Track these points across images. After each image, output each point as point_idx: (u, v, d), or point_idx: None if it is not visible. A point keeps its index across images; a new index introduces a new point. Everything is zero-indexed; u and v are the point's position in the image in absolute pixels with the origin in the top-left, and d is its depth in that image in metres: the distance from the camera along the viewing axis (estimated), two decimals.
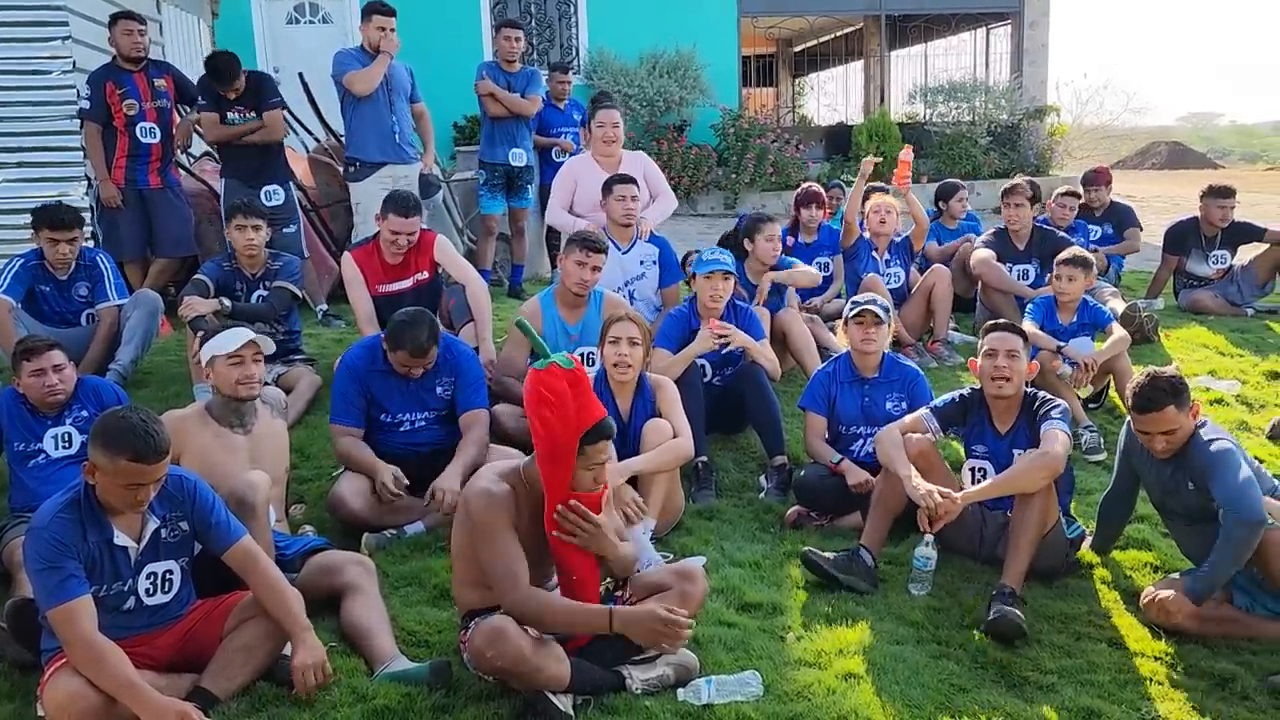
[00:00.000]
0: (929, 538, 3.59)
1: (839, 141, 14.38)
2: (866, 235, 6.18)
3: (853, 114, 17.45)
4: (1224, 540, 3.19)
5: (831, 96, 20.21)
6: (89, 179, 6.37)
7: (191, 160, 7.35)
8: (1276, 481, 3.57)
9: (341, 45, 9.58)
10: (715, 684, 2.93)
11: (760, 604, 3.53)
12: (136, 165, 6.15)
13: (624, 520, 3.59)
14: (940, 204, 7.21)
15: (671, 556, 3.80)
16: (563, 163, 6.77)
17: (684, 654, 3.06)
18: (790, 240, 6.53)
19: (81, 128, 6.20)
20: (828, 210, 6.75)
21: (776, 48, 20.89)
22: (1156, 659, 3.25)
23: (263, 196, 6.07)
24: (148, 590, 2.88)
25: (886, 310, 4.35)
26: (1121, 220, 7.47)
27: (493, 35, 8.68)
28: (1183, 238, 7.07)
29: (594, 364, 4.65)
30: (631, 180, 5.45)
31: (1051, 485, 3.54)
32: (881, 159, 6.24)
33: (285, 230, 6.22)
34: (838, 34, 18.48)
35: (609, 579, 3.18)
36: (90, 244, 5.94)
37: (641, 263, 5.49)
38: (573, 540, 2.86)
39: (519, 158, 7.17)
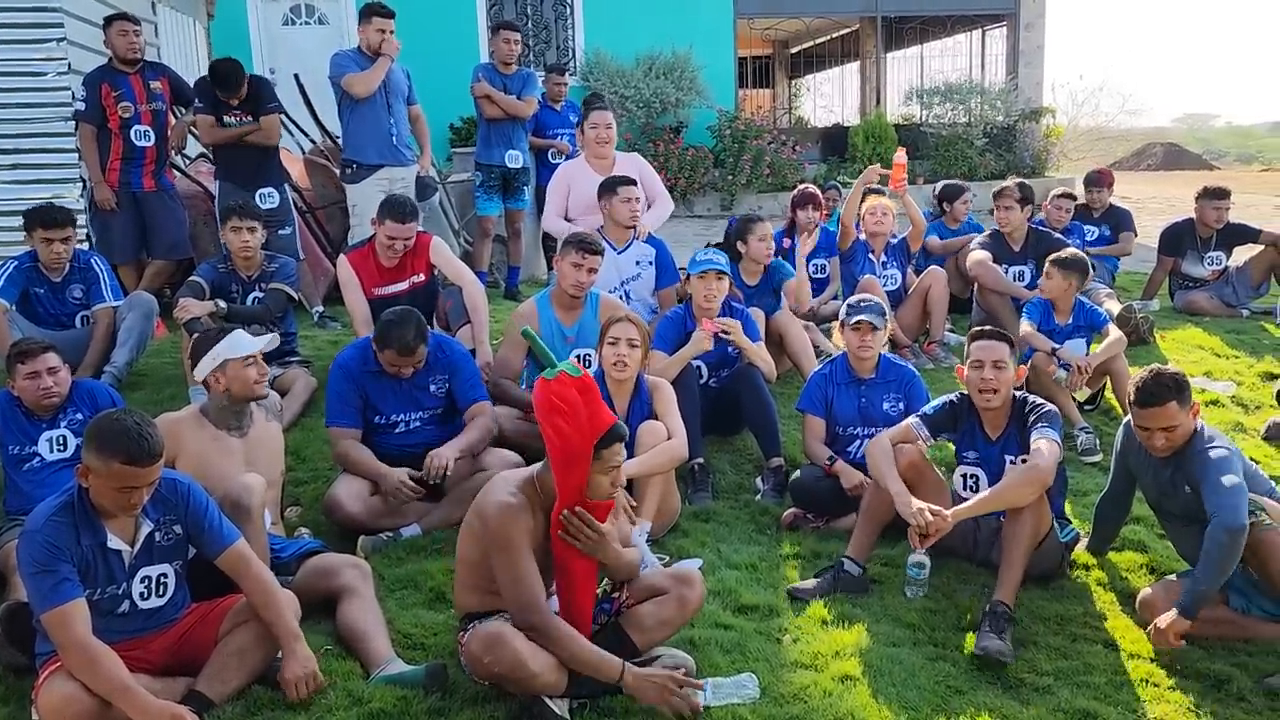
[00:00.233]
0: (920, 540, 3.57)
1: (835, 143, 14.40)
2: (863, 237, 6.19)
3: (849, 115, 17.48)
4: (1208, 550, 3.17)
5: (828, 98, 20.25)
6: (84, 181, 6.36)
7: (187, 162, 7.34)
8: (1273, 483, 3.57)
9: (338, 46, 9.57)
10: (711, 686, 2.92)
11: (757, 606, 3.53)
12: (131, 168, 6.14)
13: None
14: (945, 205, 7.20)
15: (668, 558, 3.80)
16: (559, 164, 6.77)
17: (681, 656, 3.06)
18: (786, 242, 6.53)
19: (76, 130, 6.20)
20: (824, 212, 6.75)
21: (773, 49, 20.92)
22: (1152, 660, 3.25)
23: (257, 199, 6.07)
24: (142, 594, 2.87)
25: (882, 314, 4.36)
26: (1119, 223, 7.49)
27: (489, 37, 8.68)
28: (1178, 239, 7.08)
29: (590, 365, 4.65)
30: (633, 182, 5.46)
31: (1043, 496, 3.53)
32: (880, 164, 6.25)
33: (280, 233, 6.21)
34: (834, 35, 18.50)
35: (609, 583, 3.18)
36: (84, 246, 5.93)
37: (637, 263, 5.48)
38: (576, 544, 2.86)
39: (515, 159, 7.17)
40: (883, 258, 6.19)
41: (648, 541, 3.77)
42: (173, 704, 2.70)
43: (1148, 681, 3.15)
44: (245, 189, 6.10)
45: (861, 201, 6.23)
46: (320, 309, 6.64)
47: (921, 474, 3.76)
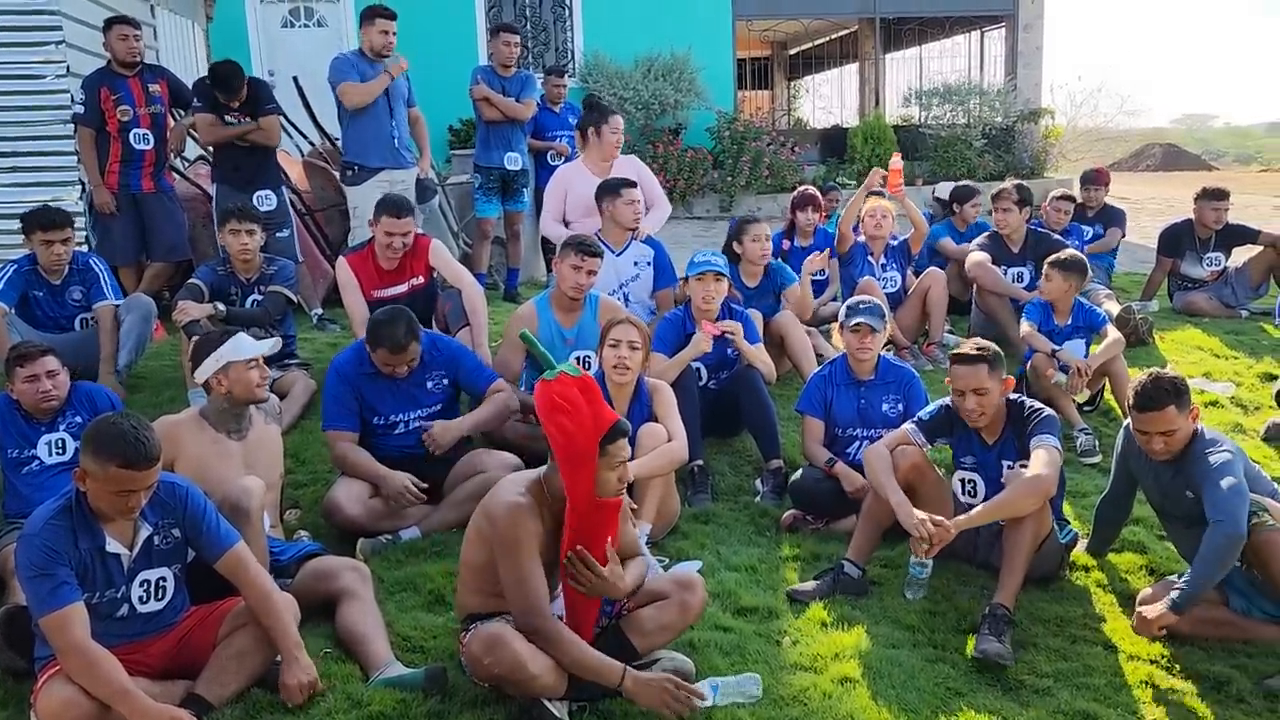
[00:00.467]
0: (923, 546, 3.57)
1: (834, 144, 14.40)
2: (862, 239, 6.18)
3: (848, 116, 17.48)
4: (1204, 552, 3.17)
5: (826, 99, 20.23)
6: (82, 184, 6.36)
7: (186, 164, 7.34)
8: (1275, 484, 3.57)
9: (337, 49, 9.58)
10: (714, 687, 2.90)
11: (756, 608, 3.53)
12: (130, 170, 6.14)
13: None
14: (955, 206, 7.20)
15: (668, 561, 3.80)
16: (558, 166, 6.77)
17: (680, 659, 3.06)
18: (786, 244, 6.53)
19: (75, 133, 6.20)
20: (824, 213, 6.75)
21: (771, 50, 20.92)
22: (1152, 662, 3.25)
23: (255, 202, 6.07)
24: (141, 597, 2.87)
25: (881, 316, 4.36)
26: (1112, 222, 7.50)
27: (488, 39, 8.68)
28: (1177, 240, 7.08)
29: (590, 367, 4.65)
30: (635, 183, 5.47)
31: (1045, 502, 3.52)
32: (884, 181, 6.24)
33: (279, 235, 6.21)
34: (832, 37, 18.50)
35: None
36: (84, 249, 5.93)
37: (635, 264, 5.48)
38: (580, 589, 2.86)
39: (514, 161, 7.17)
40: (882, 260, 6.18)
41: (647, 544, 3.77)
42: (172, 707, 2.70)
43: (1147, 683, 3.14)
44: (243, 191, 6.10)
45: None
46: (319, 311, 6.64)
47: (923, 475, 3.76)
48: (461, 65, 8.35)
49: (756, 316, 5.10)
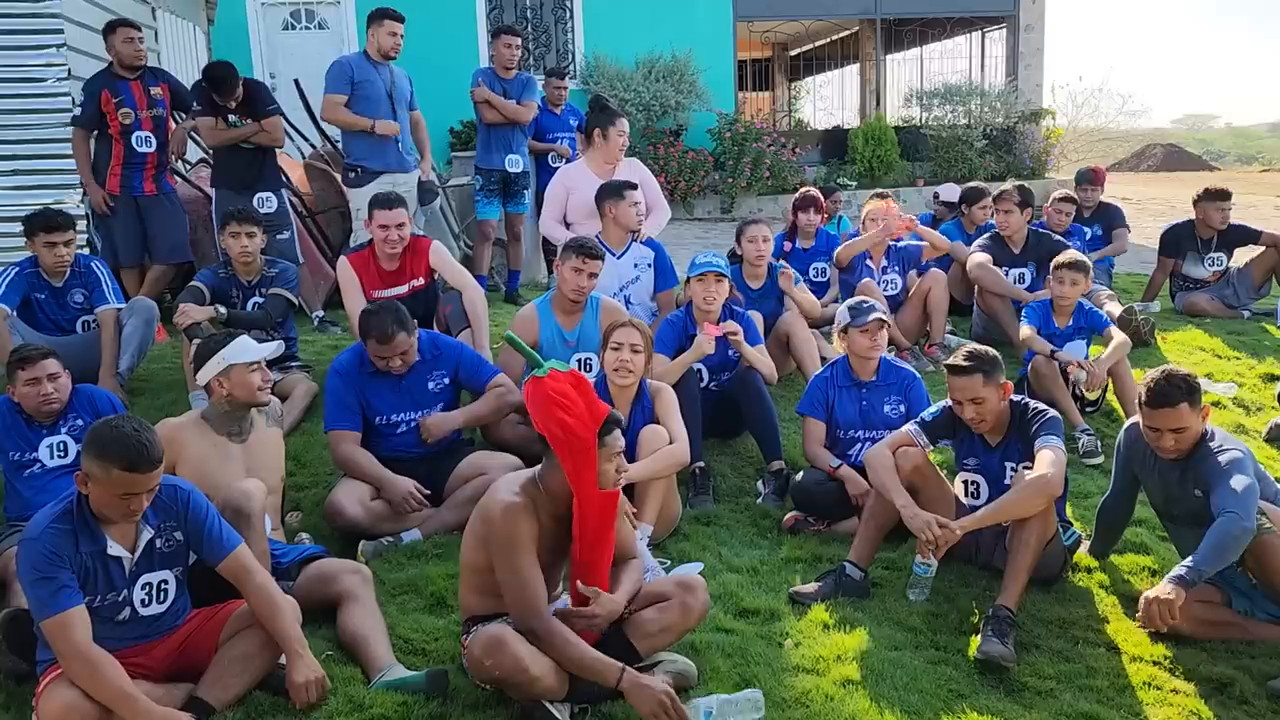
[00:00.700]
0: (930, 548, 3.57)
1: (835, 145, 14.41)
2: None
3: (849, 117, 17.47)
4: (1215, 536, 3.15)
5: (827, 100, 20.24)
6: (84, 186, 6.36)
7: (188, 167, 7.34)
8: (1279, 486, 3.56)
9: (338, 51, 9.59)
10: (718, 704, 2.86)
11: (758, 610, 3.52)
12: (132, 173, 6.13)
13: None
14: (964, 207, 7.19)
15: (669, 563, 3.80)
16: (560, 168, 6.77)
17: (682, 662, 3.06)
18: (788, 246, 6.52)
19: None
20: (825, 215, 6.74)
21: (772, 52, 20.91)
22: (1155, 664, 3.24)
23: (255, 204, 6.07)
24: (143, 600, 2.87)
25: (884, 315, 4.37)
26: (1111, 221, 7.49)
27: (489, 41, 8.68)
28: (1178, 240, 7.07)
29: (592, 370, 4.65)
30: (636, 185, 5.47)
31: (1050, 503, 3.51)
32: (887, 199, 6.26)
33: (279, 237, 6.21)
34: (833, 38, 18.50)
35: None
36: (85, 252, 5.93)
37: (636, 265, 5.48)
38: (592, 628, 2.88)
39: (515, 164, 7.17)
40: (883, 263, 6.16)
41: (649, 546, 3.77)
42: (174, 710, 2.70)
43: (1150, 685, 3.14)
44: (242, 194, 6.10)
45: (863, 207, 6.21)
46: (321, 314, 6.64)
47: (925, 477, 3.75)
48: (462, 67, 8.36)
49: (757, 318, 5.10)
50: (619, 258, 5.42)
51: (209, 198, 6.60)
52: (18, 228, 5.31)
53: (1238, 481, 3.20)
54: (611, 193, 5.38)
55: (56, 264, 5.10)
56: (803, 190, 6.71)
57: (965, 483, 3.85)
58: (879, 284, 6.04)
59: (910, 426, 3.86)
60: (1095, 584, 3.77)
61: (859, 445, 4.34)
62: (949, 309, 6.23)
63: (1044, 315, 5.28)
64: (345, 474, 4.14)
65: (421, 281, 5.17)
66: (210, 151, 6.55)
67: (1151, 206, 13.55)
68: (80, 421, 3.82)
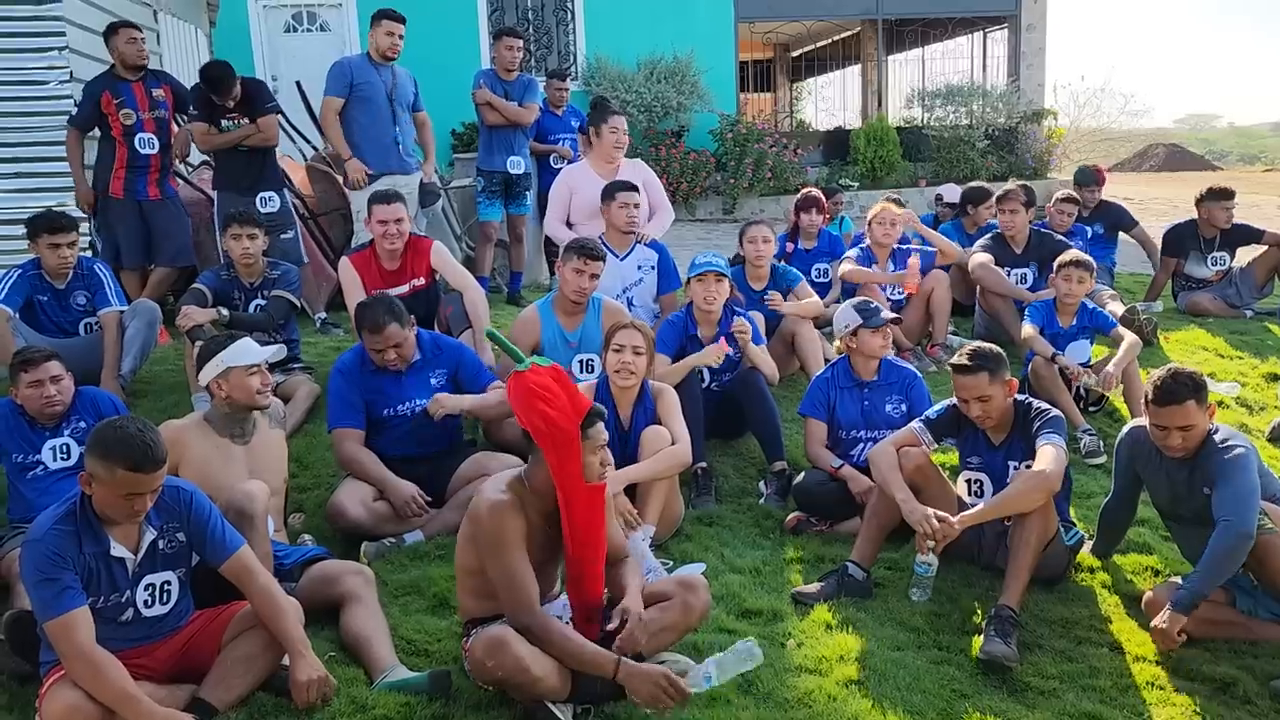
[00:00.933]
0: (929, 544, 3.57)
1: (837, 146, 14.40)
2: (866, 244, 6.16)
3: (851, 118, 17.47)
4: (1213, 550, 3.17)
5: (829, 101, 20.24)
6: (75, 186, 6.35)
7: (190, 169, 7.35)
8: None
9: (340, 53, 9.59)
10: (715, 666, 2.84)
11: (760, 611, 3.52)
12: (136, 176, 6.14)
13: (624, 527, 3.58)
14: (970, 207, 7.19)
15: (672, 563, 3.79)
16: (561, 169, 6.77)
17: (685, 662, 3.05)
18: (790, 247, 6.52)
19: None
20: (827, 215, 6.73)
21: (774, 53, 20.91)
22: (1158, 663, 3.24)
23: (257, 203, 6.09)
24: (146, 601, 2.87)
25: (892, 314, 4.40)
26: (1114, 220, 7.47)
27: (490, 43, 8.69)
28: (1181, 240, 7.07)
29: (593, 370, 4.65)
30: (634, 187, 5.46)
31: (1050, 501, 3.51)
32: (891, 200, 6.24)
33: (283, 237, 6.22)
34: (835, 38, 18.50)
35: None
36: (88, 254, 5.93)
37: (639, 268, 5.49)
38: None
39: (517, 165, 7.18)
40: (890, 267, 6.14)
41: (651, 546, 3.77)
42: (176, 712, 2.70)
43: (1153, 684, 3.14)
44: (245, 194, 6.11)
45: (872, 217, 6.18)
46: (323, 315, 6.64)
47: (927, 477, 3.75)
48: (464, 69, 8.36)
49: (760, 319, 5.10)
50: (622, 260, 5.43)
51: (211, 200, 6.61)
52: (20, 230, 5.32)
53: (1240, 483, 3.19)
54: (605, 194, 5.40)
55: (59, 266, 5.11)
56: (804, 191, 6.71)
57: (969, 482, 3.86)
58: (884, 288, 6.02)
59: (915, 425, 3.87)
60: (1098, 584, 3.76)
61: (861, 445, 4.33)
62: (951, 309, 6.23)
63: (1048, 315, 5.27)
64: (348, 474, 4.15)
65: (423, 282, 5.18)
66: (211, 155, 6.55)
67: (1154, 206, 13.53)
68: (83, 424, 3.82)
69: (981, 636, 3.29)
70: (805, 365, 5.28)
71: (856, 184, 13.04)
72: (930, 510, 3.49)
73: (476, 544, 2.88)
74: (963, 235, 7.00)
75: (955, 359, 3.73)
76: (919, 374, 4.55)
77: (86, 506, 2.77)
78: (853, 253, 6.12)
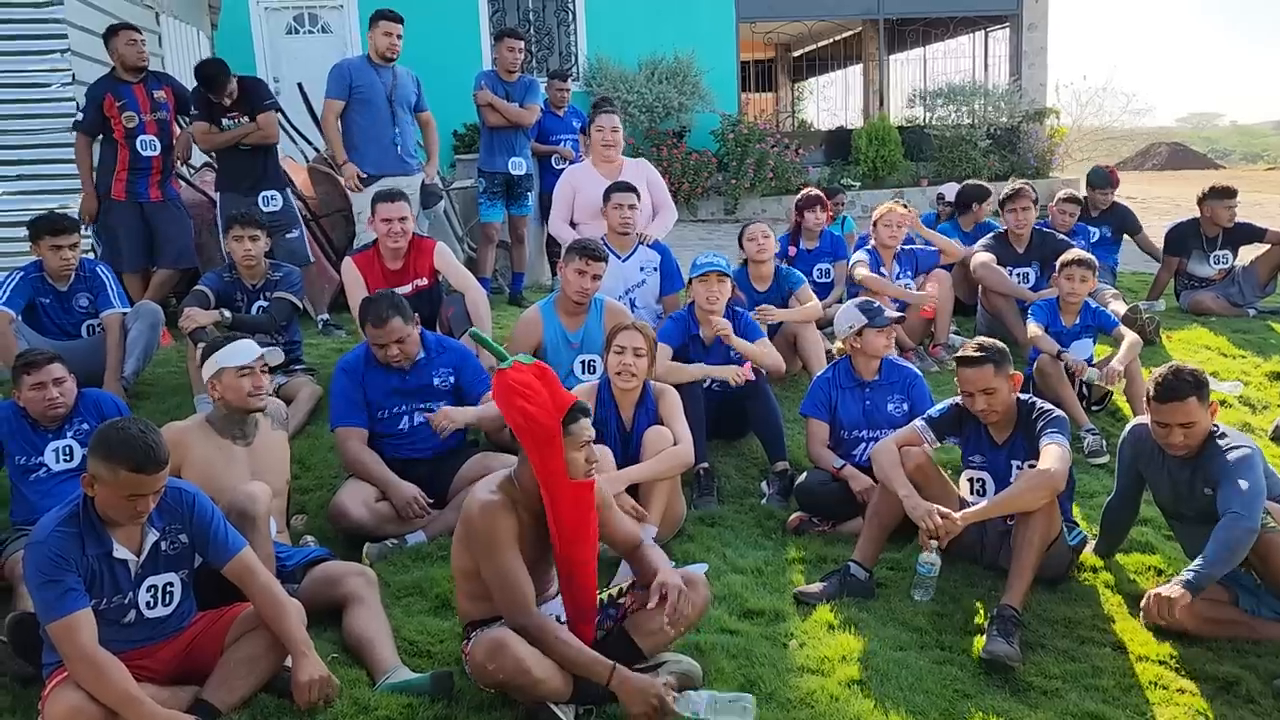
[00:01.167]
0: (932, 543, 3.57)
1: (839, 145, 14.40)
2: (872, 244, 6.15)
3: (852, 118, 17.48)
4: (1221, 537, 3.15)
5: (831, 101, 20.27)
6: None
7: (192, 171, 7.36)
8: None
9: (341, 55, 9.59)
10: (711, 702, 2.83)
11: (762, 611, 3.52)
12: (138, 178, 6.14)
13: None
14: (974, 205, 7.18)
15: (674, 564, 3.78)
16: (563, 170, 6.78)
17: (687, 662, 3.06)
18: (792, 250, 6.50)
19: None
20: (829, 215, 6.72)
21: (775, 53, 20.92)
22: (1161, 663, 3.24)
23: (260, 202, 6.09)
24: (148, 603, 2.87)
25: (896, 313, 4.40)
26: (1122, 223, 7.45)
27: (492, 44, 8.68)
28: (1184, 239, 7.06)
29: (595, 371, 4.66)
30: (631, 189, 5.46)
31: (1054, 500, 3.51)
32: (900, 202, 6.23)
33: (288, 236, 6.23)
34: (836, 38, 18.50)
35: (615, 588, 3.18)
36: (90, 256, 5.94)
37: (641, 269, 5.49)
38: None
39: (518, 166, 7.18)
40: (895, 268, 6.13)
41: None
42: (179, 713, 2.70)
43: (1156, 684, 3.13)
44: (248, 194, 6.12)
45: (876, 220, 6.17)
46: (326, 317, 6.65)
47: (928, 477, 3.75)
48: (465, 70, 8.37)
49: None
50: (624, 261, 5.43)
51: (213, 202, 6.62)
52: (22, 232, 5.32)
53: (1245, 480, 3.19)
54: (604, 195, 5.41)
55: (61, 267, 5.11)
56: (805, 190, 6.71)
57: (971, 480, 3.86)
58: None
59: (917, 423, 3.87)
60: (1101, 583, 3.76)
61: (863, 445, 4.33)
62: (953, 309, 6.22)
63: (1051, 314, 5.27)
64: (351, 474, 4.15)
65: (425, 282, 5.18)
66: (213, 155, 6.55)
67: (1156, 205, 13.51)
68: (86, 425, 3.82)
69: (984, 636, 3.29)
70: (808, 365, 5.28)
71: (858, 184, 13.04)
72: (933, 506, 3.50)
73: (470, 545, 2.88)
74: (960, 234, 7.00)
75: (961, 352, 3.73)
76: (920, 373, 4.55)
77: (89, 508, 2.77)
78: (862, 255, 6.08)
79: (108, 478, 2.68)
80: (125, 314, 5.22)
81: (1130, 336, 5.09)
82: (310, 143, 8.12)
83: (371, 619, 3.21)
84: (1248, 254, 7.13)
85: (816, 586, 3.65)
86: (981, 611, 3.51)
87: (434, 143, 6.76)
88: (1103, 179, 7.49)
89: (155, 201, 6.23)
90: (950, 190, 8.08)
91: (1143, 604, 3.25)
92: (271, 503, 3.44)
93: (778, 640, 3.35)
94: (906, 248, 6.21)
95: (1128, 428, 3.71)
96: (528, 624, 2.78)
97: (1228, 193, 6.95)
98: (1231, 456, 3.27)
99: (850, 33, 17.75)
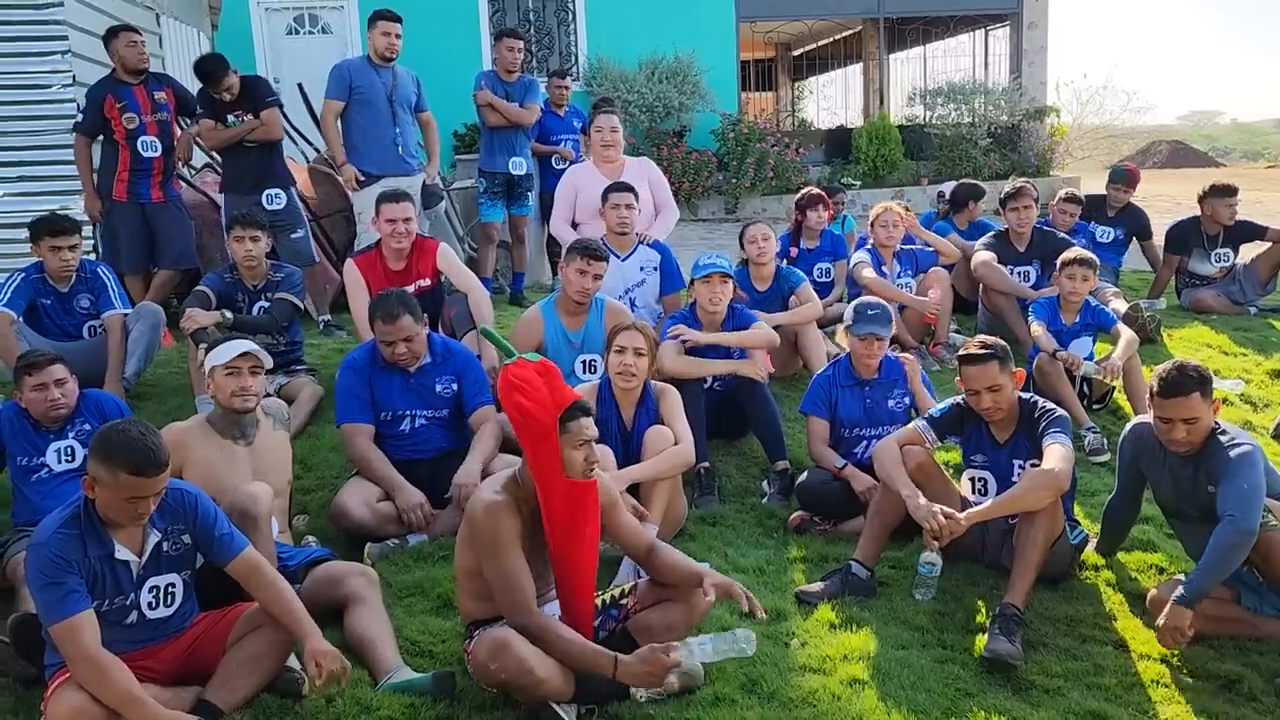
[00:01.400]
0: (934, 543, 3.57)
1: (839, 145, 14.40)
2: (871, 244, 6.15)
3: (853, 117, 17.47)
4: (1215, 546, 3.16)
5: (831, 100, 20.25)
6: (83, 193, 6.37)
7: (193, 172, 7.36)
8: None
9: (341, 55, 9.60)
10: (711, 642, 2.83)
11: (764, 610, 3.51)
12: (139, 179, 6.15)
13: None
14: (971, 203, 7.17)
15: None
16: (563, 169, 6.77)
17: (689, 660, 3.05)
18: (794, 250, 6.50)
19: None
20: (830, 214, 6.72)
21: (775, 52, 20.92)
22: (1163, 661, 3.24)
23: (264, 200, 6.09)
24: (150, 604, 2.87)
25: (888, 321, 4.39)
26: (1135, 226, 7.34)
27: (492, 44, 8.69)
28: (1184, 237, 7.06)
29: (596, 371, 4.66)
30: (628, 189, 5.46)
31: (1057, 500, 3.51)
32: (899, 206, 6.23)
33: (292, 236, 6.23)
34: (836, 37, 18.50)
35: (616, 589, 3.18)
36: (91, 257, 5.94)
37: (641, 269, 5.49)
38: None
39: (518, 166, 7.19)
40: (896, 268, 6.12)
41: None
42: (182, 714, 2.70)
43: (1158, 682, 3.13)
44: (251, 194, 6.12)
45: (873, 220, 6.18)
46: (327, 317, 6.65)
47: (929, 476, 3.75)
48: (465, 70, 8.37)
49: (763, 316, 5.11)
50: (624, 260, 5.43)
51: (215, 203, 6.62)
52: (23, 234, 5.32)
53: (1245, 480, 3.19)
54: (602, 196, 5.41)
55: (62, 268, 5.12)
56: (806, 189, 6.70)
57: (973, 480, 3.86)
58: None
59: (918, 422, 3.88)
60: (1102, 582, 3.76)
61: (865, 443, 4.34)
62: (954, 307, 6.22)
63: (1051, 312, 5.27)
64: (357, 472, 4.15)
65: (428, 282, 5.18)
66: (215, 155, 6.56)
67: (1157, 203, 13.49)
68: (87, 426, 3.83)
69: (986, 635, 3.29)
70: (809, 365, 5.28)
71: (859, 183, 13.04)
72: (937, 506, 3.50)
73: (473, 545, 2.88)
74: (955, 231, 7.00)
75: (964, 350, 3.73)
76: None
77: (90, 510, 2.77)
78: (863, 255, 6.08)
79: (108, 480, 2.69)
80: (126, 315, 5.22)
81: (1126, 335, 5.10)
82: (311, 143, 8.12)
83: (373, 619, 3.21)
84: (1248, 252, 7.13)
85: (818, 586, 3.65)
86: (983, 610, 3.51)
87: (434, 143, 6.77)
88: (1123, 176, 7.41)
89: (156, 202, 6.23)
90: (950, 188, 8.08)
91: (1158, 634, 3.24)
92: (273, 503, 3.45)
93: (779, 639, 3.35)
94: (906, 247, 6.21)
95: (1129, 426, 3.70)
96: (529, 624, 2.79)
97: (1228, 191, 6.94)
98: (1234, 453, 3.27)
99: (850, 32, 17.74)
